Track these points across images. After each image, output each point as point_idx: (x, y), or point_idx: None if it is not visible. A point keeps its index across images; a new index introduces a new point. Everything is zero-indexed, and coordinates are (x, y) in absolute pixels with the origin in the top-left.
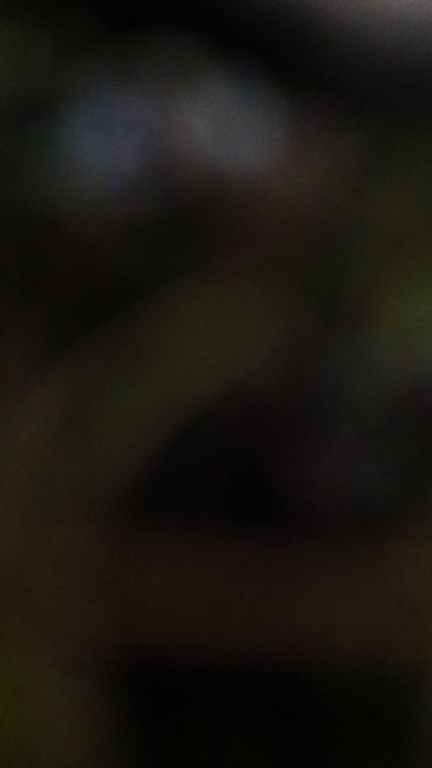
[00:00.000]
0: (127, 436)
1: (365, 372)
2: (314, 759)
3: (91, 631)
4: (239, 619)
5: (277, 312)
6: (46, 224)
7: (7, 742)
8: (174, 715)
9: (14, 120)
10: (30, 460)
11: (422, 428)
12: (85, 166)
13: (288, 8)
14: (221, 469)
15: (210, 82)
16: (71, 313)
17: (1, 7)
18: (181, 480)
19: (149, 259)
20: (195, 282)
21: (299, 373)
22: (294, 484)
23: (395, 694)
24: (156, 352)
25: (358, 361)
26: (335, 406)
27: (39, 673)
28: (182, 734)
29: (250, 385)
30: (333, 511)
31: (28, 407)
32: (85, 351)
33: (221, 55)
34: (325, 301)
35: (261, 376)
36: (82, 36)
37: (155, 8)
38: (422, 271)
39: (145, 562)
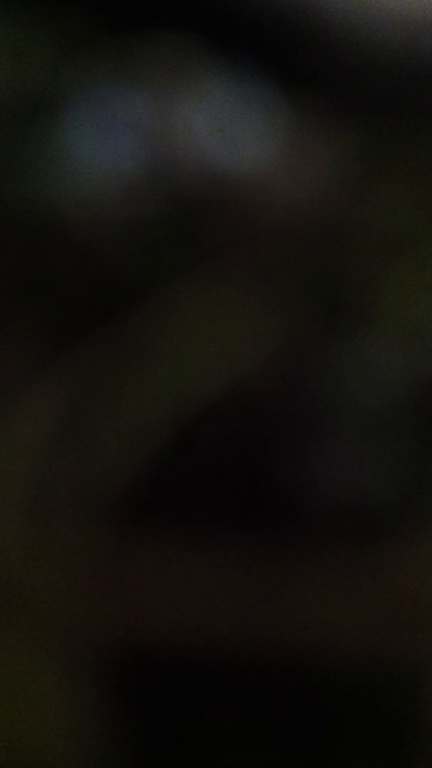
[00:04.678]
0: (128, 435)
1: (365, 372)
2: (314, 759)
3: (90, 630)
4: (239, 618)
5: (277, 312)
6: (46, 224)
7: (7, 742)
8: (173, 714)
9: (14, 120)
10: (30, 460)
11: (422, 428)
12: (85, 166)
13: (288, 8)
14: (221, 468)
15: (210, 82)
16: (71, 313)
17: (1, 7)
18: (181, 480)
19: (149, 259)
20: (195, 282)
21: (299, 373)
22: (294, 483)
23: (395, 694)
24: (156, 352)
25: (358, 361)
26: (335, 406)
27: (39, 673)
28: (182, 734)
29: (250, 385)
30: (333, 511)
31: (28, 407)
32: (85, 351)
33: (221, 55)
34: (325, 301)
35: (261, 376)
36: (82, 36)
37: (155, 8)
38: (422, 271)
39: (146, 561)
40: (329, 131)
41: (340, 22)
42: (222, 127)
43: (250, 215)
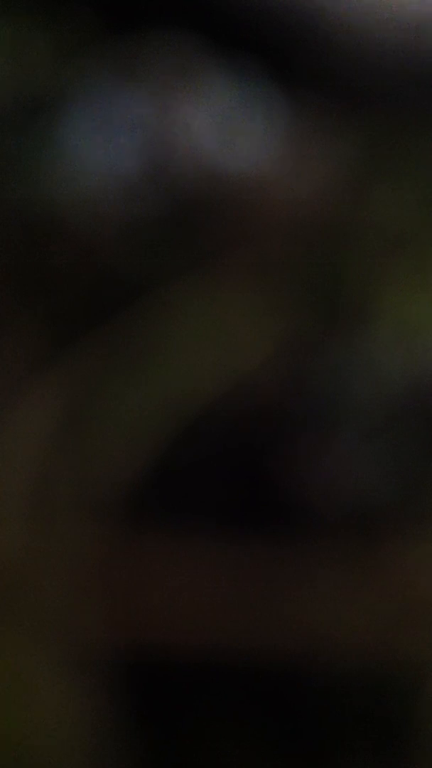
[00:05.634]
0: (128, 436)
1: (365, 372)
2: (314, 759)
3: (91, 630)
4: (239, 619)
5: (277, 312)
6: (46, 224)
7: (7, 742)
8: (174, 714)
9: (14, 120)
10: (30, 460)
11: (422, 428)
12: (85, 166)
13: (288, 8)
14: (221, 469)
15: (210, 82)
16: (71, 313)
17: (1, 7)
18: (182, 480)
19: (149, 259)
20: (195, 282)
21: (299, 373)
22: (294, 483)
23: (395, 694)
24: (156, 352)
25: (358, 361)
26: (335, 406)
27: (39, 673)
28: (182, 734)
29: (250, 385)
30: (333, 511)
31: (28, 407)
32: (85, 351)
33: (221, 55)
34: (325, 301)
35: (261, 376)
36: (82, 36)
37: (155, 8)
38: (422, 271)
39: (146, 561)
40: (329, 131)
41: (340, 22)
42: (222, 127)
43: (250, 215)
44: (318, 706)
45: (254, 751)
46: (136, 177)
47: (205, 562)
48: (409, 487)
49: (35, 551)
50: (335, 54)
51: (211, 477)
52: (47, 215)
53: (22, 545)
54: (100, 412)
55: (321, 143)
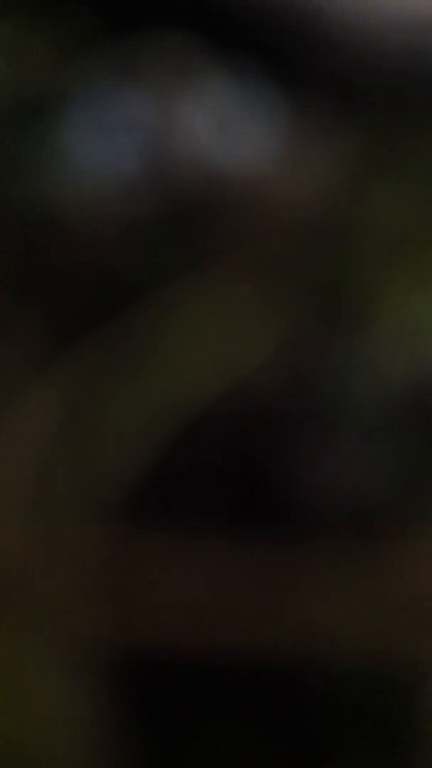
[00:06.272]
0: (128, 436)
1: (365, 372)
2: (314, 759)
3: (91, 630)
4: (239, 619)
5: (277, 312)
6: (46, 224)
7: (7, 742)
8: (174, 714)
9: (14, 120)
10: (30, 461)
11: (422, 428)
12: (85, 166)
13: (288, 8)
14: (221, 469)
15: (210, 82)
16: (71, 313)
17: (1, 7)
18: (182, 480)
19: (149, 259)
20: (195, 282)
21: (299, 373)
22: (294, 484)
23: (395, 694)
24: (156, 352)
25: (358, 361)
26: (335, 406)
27: (39, 672)
28: (182, 734)
29: (250, 386)
30: (333, 511)
31: (28, 407)
32: (85, 351)
33: (221, 55)
34: (325, 301)
35: (261, 376)
36: (82, 36)
37: (155, 8)
38: (422, 272)
39: (146, 562)
40: (329, 131)
41: (340, 22)
42: (222, 127)
43: (250, 215)
44: (318, 706)
45: (254, 751)
46: (136, 177)
47: (205, 563)
48: (409, 487)
49: (35, 551)
50: (335, 54)
51: (211, 477)
52: (47, 215)
53: (22, 545)
54: (100, 412)
55: (321, 143)
